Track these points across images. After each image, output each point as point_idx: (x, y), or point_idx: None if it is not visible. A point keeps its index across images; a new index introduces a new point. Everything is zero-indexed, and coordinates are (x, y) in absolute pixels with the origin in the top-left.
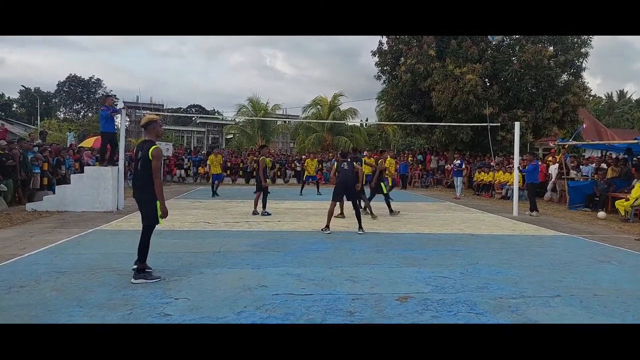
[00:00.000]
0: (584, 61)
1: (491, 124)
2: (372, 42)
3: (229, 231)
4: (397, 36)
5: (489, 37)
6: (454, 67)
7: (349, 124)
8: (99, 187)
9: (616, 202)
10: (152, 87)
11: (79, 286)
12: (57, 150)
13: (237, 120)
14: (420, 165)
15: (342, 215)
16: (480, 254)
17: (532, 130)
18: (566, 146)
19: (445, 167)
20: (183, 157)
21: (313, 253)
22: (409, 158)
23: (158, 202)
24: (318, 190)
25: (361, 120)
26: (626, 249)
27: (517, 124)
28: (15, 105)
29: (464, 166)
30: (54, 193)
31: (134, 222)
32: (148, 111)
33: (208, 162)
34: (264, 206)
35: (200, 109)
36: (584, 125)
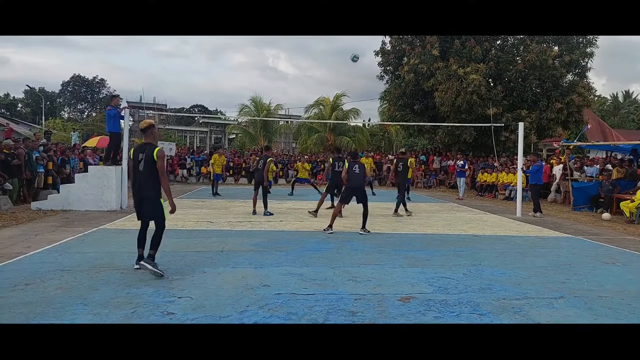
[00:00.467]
0: (589, 61)
1: (495, 125)
2: (375, 42)
3: (232, 231)
4: (400, 36)
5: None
6: (457, 67)
7: (352, 124)
8: (102, 186)
9: (621, 203)
10: (155, 87)
11: (83, 284)
12: (62, 149)
13: (239, 120)
14: (422, 166)
15: (315, 213)
16: (484, 254)
17: (536, 130)
18: (571, 147)
19: (449, 163)
20: (186, 157)
21: (315, 253)
22: (412, 159)
23: (162, 201)
24: (318, 190)
25: (364, 121)
26: (631, 251)
27: (521, 125)
28: (20, 105)
29: (467, 167)
30: (59, 192)
31: (138, 221)
32: (151, 111)
33: (211, 160)
34: (265, 206)
35: (203, 109)
36: (589, 126)
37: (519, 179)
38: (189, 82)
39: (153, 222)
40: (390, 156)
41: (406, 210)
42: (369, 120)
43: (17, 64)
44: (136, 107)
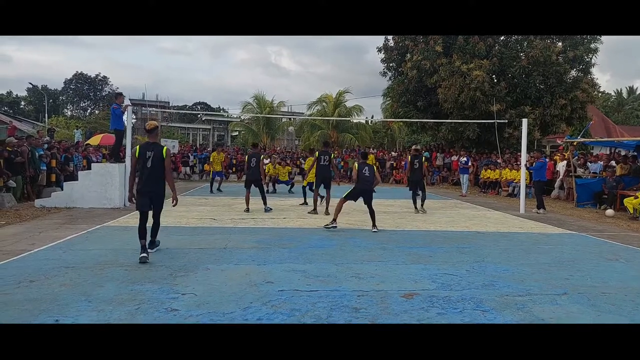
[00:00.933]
0: (593, 57)
1: (498, 121)
2: (377, 38)
3: (235, 227)
4: None
5: None
6: (460, 63)
7: (354, 121)
8: (106, 183)
9: (625, 199)
10: (158, 84)
11: (87, 281)
12: (65, 147)
13: (242, 117)
14: (426, 163)
15: (314, 212)
16: (487, 251)
17: (540, 127)
18: (574, 143)
19: (452, 159)
20: (189, 154)
21: (318, 250)
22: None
23: (171, 192)
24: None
25: (366, 118)
26: (635, 247)
27: (524, 121)
28: (23, 103)
29: (470, 163)
30: (62, 190)
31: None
32: (154, 108)
33: (210, 158)
34: (264, 202)
35: (205, 106)
36: (592, 122)
37: (522, 175)
38: (192, 79)
39: (152, 212)
40: (393, 153)
41: (415, 207)
42: (372, 117)
43: (20, 61)
44: (139, 104)
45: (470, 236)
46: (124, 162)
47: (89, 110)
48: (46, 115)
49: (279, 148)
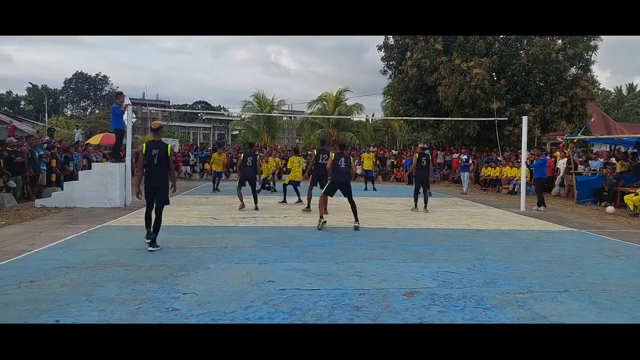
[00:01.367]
0: (593, 54)
1: (498, 119)
2: (378, 37)
3: (236, 227)
4: None
5: None
6: (460, 61)
7: (355, 119)
8: (106, 183)
9: (625, 196)
10: (158, 84)
11: (88, 281)
12: (65, 147)
13: (242, 116)
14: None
15: (308, 209)
16: (488, 249)
17: (540, 124)
18: (575, 140)
19: (453, 156)
20: (189, 153)
21: (319, 248)
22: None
23: (170, 185)
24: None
25: (367, 116)
26: (635, 244)
27: (524, 119)
28: (23, 103)
29: (470, 161)
30: (63, 189)
31: (141, 217)
32: (154, 108)
33: (211, 159)
34: (255, 201)
35: (206, 105)
36: (592, 119)
37: (523, 173)
38: (193, 78)
39: (155, 207)
40: (393, 151)
41: (415, 205)
42: (373, 116)
43: (20, 61)
44: (139, 104)
45: (471, 234)
46: (124, 161)
47: (89, 110)
48: (46, 114)
49: (279, 147)
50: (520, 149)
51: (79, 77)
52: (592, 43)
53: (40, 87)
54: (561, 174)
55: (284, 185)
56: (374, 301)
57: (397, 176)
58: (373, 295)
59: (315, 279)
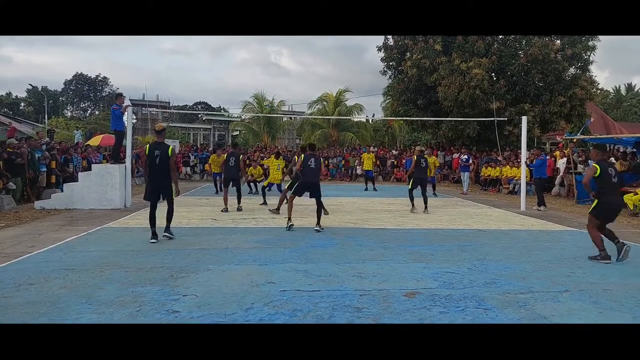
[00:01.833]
0: (592, 54)
1: (498, 119)
2: (377, 37)
3: (236, 228)
4: None
5: None
6: (460, 61)
7: (355, 119)
8: (106, 184)
9: (625, 196)
10: (158, 84)
11: (87, 283)
12: (65, 148)
13: (243, 117)
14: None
15: (277, 211)
16: (488, 249)
17: (540, 124)
18: (574, 140)
19: (453, 156)
20: (189, 154)
21: (320, 249)
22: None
23: (172, 185)
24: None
25: (367, 116)
26: (635, 244)
27: (524, 119)
28: (23, 104)
29: (470, 161)
30: (62, 191)
31: (142, 219)
32: (154, 109)
33: (209, 161)
34: (238, 201)
35: (206, 106)
36: (592, 119)
37: (523, 172)
38: (193, 79)
39: (166, 201)
40: (394, 151)
41: (412, 205)
42: (373, 116)
43: (20, 62)
44: (139, 104)
45: (471, 234)
46: (124, 162)
47: (89, 111)
48: (46, 116)
49: (279, 147)
50: (520, 148)
51: (79, 78)
52: (590, 43)
53: (40, 89)
54: (561, 174)
55: (263, 188)
56: (375, 302)
57: (398, 176)
58: (374, 296)
59: (316, 280)
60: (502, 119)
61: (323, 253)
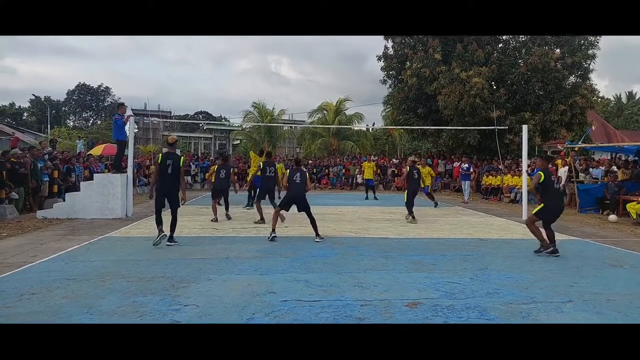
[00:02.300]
0: (592, 63)
1: (498, 127)
2: (378, 46)
3: (237, 237)
4: (403, 40)
5: None
6: (460, 70)
7: (355, 128)
8: (108, 194)
9: (628, 205)
10: (160, 94)
11: (89, 293)
12: (67, 158)
13: (244, 126)
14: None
15: (262, 221)
16: (490, 258)
17: (540, 133)
18: (576, 149)
19: (454, 165)
20: (190, 163)
21: (321, 259)
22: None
23: (179, 193)
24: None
25: (367, 125)
26: (639, 253)
27: (524, 127)
28: (26, 114)
29: (471, 170)
30: (64, 201)
31: (143, 228)
32: (156, 118)
33: (210, 171)
34: (226, 208)
35: (207, 116)
36: (593, 128)
37: (524, 181)
38: (194, 89)
39: (170, 210)
40: (394, 160)
41: (409, 213)
42: (373, 125)
43: (23, 73)
44: (141, 114)
45: (473, 243)
46: (126, 172)
47: (91, 121)
48: (49, 126)
49: (283, 155)
50: (521, 157)
51: (82, 88)
52: (590, 52)
53: (43, 99)
54: (562, 182)
55: (249, 191)
56: (376, 312)
57: (398, 185)
58: (375, 306)
59: (317, 290)
60: (503, 127)
61: (324, 263)
